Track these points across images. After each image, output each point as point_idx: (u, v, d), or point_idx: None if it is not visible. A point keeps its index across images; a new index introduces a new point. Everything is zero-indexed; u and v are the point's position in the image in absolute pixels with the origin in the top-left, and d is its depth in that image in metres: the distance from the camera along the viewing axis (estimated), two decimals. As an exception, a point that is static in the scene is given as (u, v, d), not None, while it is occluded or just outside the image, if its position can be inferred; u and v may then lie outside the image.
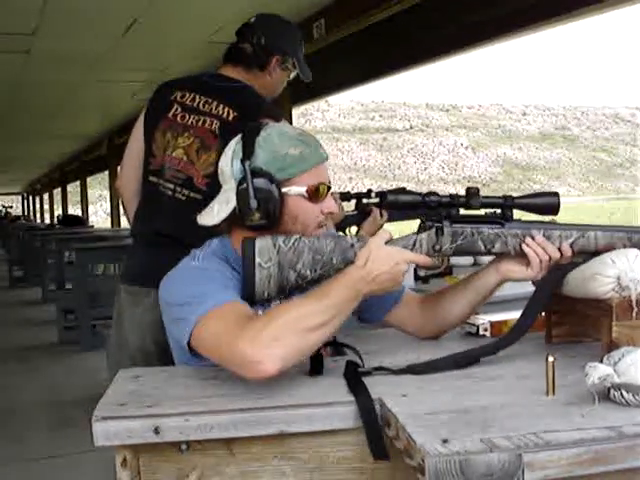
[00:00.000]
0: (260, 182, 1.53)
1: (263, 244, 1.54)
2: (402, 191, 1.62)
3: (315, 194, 1.58)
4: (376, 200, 2.64)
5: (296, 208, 1.57)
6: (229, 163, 1.58)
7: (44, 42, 5.25)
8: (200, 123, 2.36)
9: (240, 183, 1.54)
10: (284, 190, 1.55)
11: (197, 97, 2.39)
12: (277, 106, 5.16)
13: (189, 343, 1.45)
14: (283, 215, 1.56)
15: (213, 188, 2.30)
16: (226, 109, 2.35)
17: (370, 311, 1.75)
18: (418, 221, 1.63)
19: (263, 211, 1.53)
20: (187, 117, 2.38)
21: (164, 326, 2.36)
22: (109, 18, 4.76)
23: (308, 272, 1.55)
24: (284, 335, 1.33)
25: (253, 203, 1.52)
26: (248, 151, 1.54)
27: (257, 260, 1.53)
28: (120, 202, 2.70)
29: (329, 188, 1.62)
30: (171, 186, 2.38)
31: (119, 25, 4.96)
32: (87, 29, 4.98)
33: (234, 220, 1.58)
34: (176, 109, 2.40)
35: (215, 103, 2.37)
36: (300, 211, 1.58)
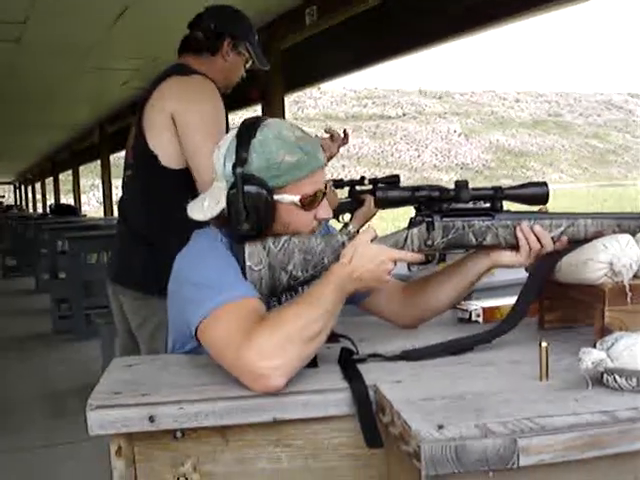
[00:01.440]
0: (252, 189, 1.49)
1: (253, 247, 1.52)
2: (391, 187, 1.61)
3: (309, 202, 1.55)
4: (369, 187, 2.64)
5: (288, 216, 1.54)
6: (221, 161, 1.54)
7: (35, 31, 5.21)
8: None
9: (231, 187, 1.51)
10: (277, 198, 1.51)
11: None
12: (269, 94, 5.18)
13: (197, 329, 1.42)
14: (274, 222, 1.53)
15: (137, 158, 2.39)
16: (149, 90, 2.40)
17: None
18: (411, 208, 1.62)
19: (252, 220, 1.49)
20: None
21: (125, 315, 2.40)
22: (100, 6, 4.72)
23: (300, 273, 1.54)
24: (289, 347, 1.31)
25: (242, 215, 1.49)
26: (241, 156, 1.49)
27: (247, 263, 1.51)
28: None
29: (325, 194, 1.59)
30: (125, 172, 2.49)
31: (110, 13, 4.92)
32: (78, 17, 4.95)
33: (223, 220, 1.55)
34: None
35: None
36: (292, 219, 1.55)
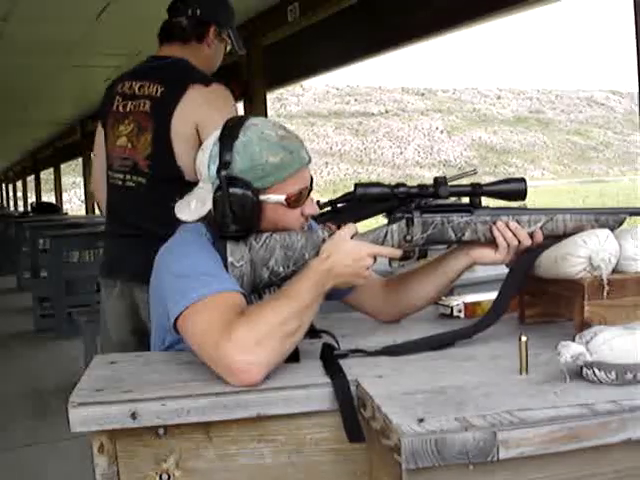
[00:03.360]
0: (237, 191, 1.49)
1: (234, 243, 1.53)
2: (372, 184, 1.61)
3: (295, 200, 1.56)
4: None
5: (275, 215, 1.55)
6: (205, 164, 1.54)
7: (16, 27, 5.18)
8: (136, 107, 2.39)
9: (217, 189, 1.51)
10: (262, 198, 1.52)
11: (133, 83, 2.43)
12: (252, 91, 5.18)
13: (177, 319, 1.42)
14: (261, 222, 1.54)
15: (155, 169, 2.34)
16: (155, 87, 2.37)
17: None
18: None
19: (240, 221, 1.50)
20: (126, 105, 2.42)
21: (137, 314, 2.38)
22: (81, 2, 4.70)
23: (281, 269, 1.55)
24: (268, 342, 1.32)
25: (229, 217, 1.49)
26: (225, 158, 1.50)
27: (229, 259, 1.51)
28: (96, 205, 2.76)
29: (310, 191, 1.60)
30: (120, 176, 2.42)
31: (92, 9, 4.90)
32: (59, 14, 4.92)
33: (210, 220, 1.55)
34: (118, 100, 2.45)
35: (147, 84, 2.39)
36: (279, 218, 1.56)
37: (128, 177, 2.39)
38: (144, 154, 2.35)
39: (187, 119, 2.30)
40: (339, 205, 2.43)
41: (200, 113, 2.29)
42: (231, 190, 1.49)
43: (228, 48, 2.59)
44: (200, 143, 2.27)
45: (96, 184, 2.63)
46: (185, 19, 2.45)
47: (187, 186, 2.30)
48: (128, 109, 2.41)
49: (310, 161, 1.59)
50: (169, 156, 2.31)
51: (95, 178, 2.63)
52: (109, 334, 2.49)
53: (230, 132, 1.53)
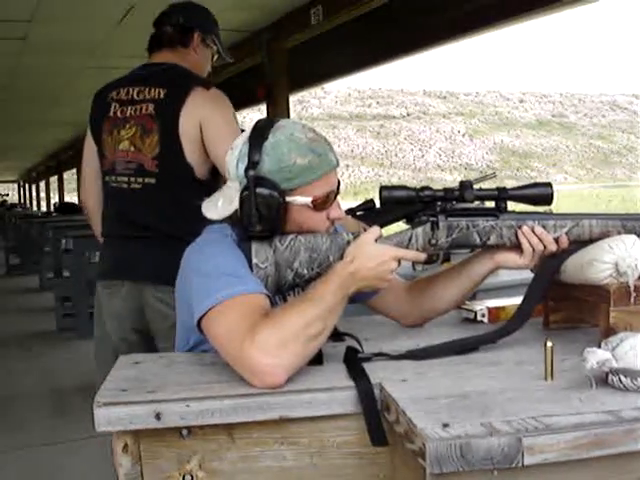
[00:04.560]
0: (264, 191, 1.49)
1: (259, 244, 1.53)
2: (396, 187, 1.60)
3: (321, 203, 1.56)
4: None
5: (301, 217, 1.55)
6: (234, 163, 1.55)
7: (41, 29, 5.23)
8: (138, 112, 2.44)
9: (244, 189, 1.51)
10: (289, 200, 1.52)
11: (130, 89, 2.48)
12: (274, 93, 5.19)
13: (201, 319, 1.42)
14: (287, 223, 1.54)
15: (164, 168, 2.38)
16: (157, 90, 2.43)
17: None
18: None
19: (265, 222, 1.50)
20: (125, 110, 2.47)
21: (142, 314, 2.39)
22: (106, 4, 4.74)
23: (305, 271, 1.55)
24: (292, 345, 1.33)
25: (255, 217, 1.49)
26: (253, 158, 1.50)
27: (254, 261, 1.52)
28: (85, 214, 2.80)
29: (337, 194, 1.60)
30: (125, 178, 2.46)
31: (116, 11, 4.94)
32: (84, 16, 4.96)
33: (236, 219, 1.55)
34: (114, 107, 2.50)
35: (147, 89, 2.45)
36: (305, 220, 1.56)
37: (133, 179, 2.43)
38: (152, 155, 2.40)
39: (192, 119, 2.37)
40: (358, 213, 2.45)
41: (203, 114, 2.37)
42: (258, 190, 1.49)
43: (215, 57, 2.70)
44: (202, 143, 2.35)
45: (88, 193, 2.68)
46: (170, 27, 2.58)
47: (196, 183, 2.34)
48: (128, 114, 2.45)
49: (338, 164, 1.59)
50: (178, 154, 2.37)
51: (85, 188, 2.68)
52: (107, 334, 2.53)
53: (260, 133, 1.54)
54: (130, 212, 2.45)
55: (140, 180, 2.42)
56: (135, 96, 2.46)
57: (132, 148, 2.42)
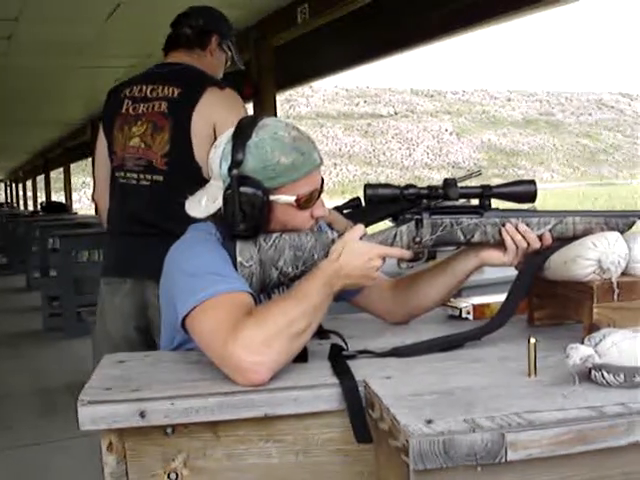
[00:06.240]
0: (248, 190, 1.49)
1: (243, 243, 1.53)
2: (381, 184, 1.61)
3: (305, 202, 1.56)
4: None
5: (285, 216, 1.55)
6: (218, 162, 1.54)
7: (26, 28, 5.20)
8: (150, 109, 2.45)
9: (227, 188, 1.51)
10: (273, 198, 1.52)
11: (144, 87, 2.49)
12: (261, 92, 5.19)
13: (186, 317, 1.42)
14: (271, 222, 1.54)
15: (172, 166, 2.39)
16: (171, 89, 2.44)
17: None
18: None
19: (249, 220, 1.50)
20: (138, 107, 2.48)
21: (144, 312, 2.38)
22: (92, 3, 4.72)
23: (290, 269, 1.55)
24: (275, 342, 1.33)
25: (239, 216, 1.49)
26: (237, 157, 1.50)
27: (239, 259, 1.52)
28: (96, 212, 2.80)
29: (320, 193, 1.60)
30: (135, 175, 2.46)
31: (102, 10, 4.92)
32: (70, 14, 4.94)
33: (220, 218, 1.55)
34: (127, 104, 2.50)
35: (161, 87, 2.46)
36: (289, 218, 1.56)
37: (142, 176, 2.44)
38: (162, 152, 2.40)
39: (206, 119, 2.38)
40: (345, 211, 2.47)
41: (218, 114, 2.37)
42: (241, 189, 1.49)
43: (229, 63, 2.73)
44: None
45: (101, 193, 2.66)
46: (189, 29, 2.59)
47: (204, 183, 2.37)
48: (140, 111, 2.45)
49: (322, 163, 1.59)
50: (187, 153, 2.38)
51: (101, 188, 2.67)
52: (108, 332, 2.51)
53: (243, 131, 1.53)
54: (136, 209, 2.45)
55: (149, 177, 2.43)
56: (148, 94, 2.47)
57: (142, 145, 2.43)
